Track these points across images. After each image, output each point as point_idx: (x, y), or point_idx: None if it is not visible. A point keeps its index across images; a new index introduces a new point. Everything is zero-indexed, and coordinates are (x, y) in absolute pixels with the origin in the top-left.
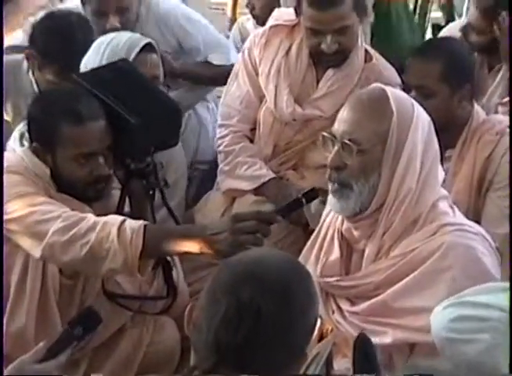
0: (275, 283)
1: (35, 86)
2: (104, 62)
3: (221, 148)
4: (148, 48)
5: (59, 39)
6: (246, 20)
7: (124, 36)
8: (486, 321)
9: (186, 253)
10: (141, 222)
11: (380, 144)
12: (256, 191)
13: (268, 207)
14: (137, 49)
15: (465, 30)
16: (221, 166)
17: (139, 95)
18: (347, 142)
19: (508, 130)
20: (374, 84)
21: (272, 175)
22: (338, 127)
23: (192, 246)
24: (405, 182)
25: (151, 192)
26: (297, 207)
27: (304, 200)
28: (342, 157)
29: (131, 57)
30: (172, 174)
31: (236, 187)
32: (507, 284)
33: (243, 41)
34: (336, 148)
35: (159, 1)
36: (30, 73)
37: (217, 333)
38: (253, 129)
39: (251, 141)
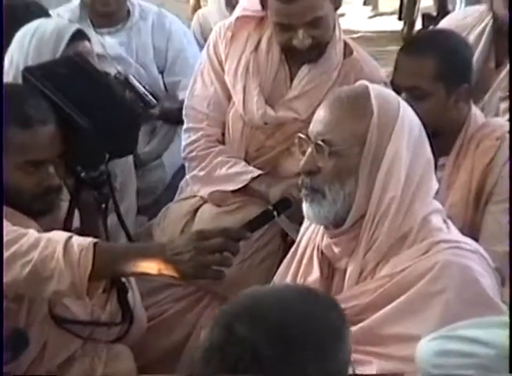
0: (273, 322)
1: None
2: (32, 54)
3: (193, 153)
4: (78, 35)
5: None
6: (207, 12)
7: (50, 24)
8: (471, 357)
9: (143, 274)
10: (90, 240)
11: (357, 146)
12: (241, 192)
13: (233, 219)
14: (67, 38)
15: None
16: (194, 172)
17: (94, 96)
18: (320, 143)
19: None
20: (359, 82)
21: (259, 171)
22: (313, 127)
23: (150, 267)
24: (387, 191)
25: (104, 205)
26: (267, 219)
27: (275, 212)
28: (316, 160)
29: (61, 47)
30: (118, 176)
31: (222, 189)
32: (507, 319)
33: (203, 35)
34: (309, 150)
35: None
36: None
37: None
38: (223, 134)
39: None
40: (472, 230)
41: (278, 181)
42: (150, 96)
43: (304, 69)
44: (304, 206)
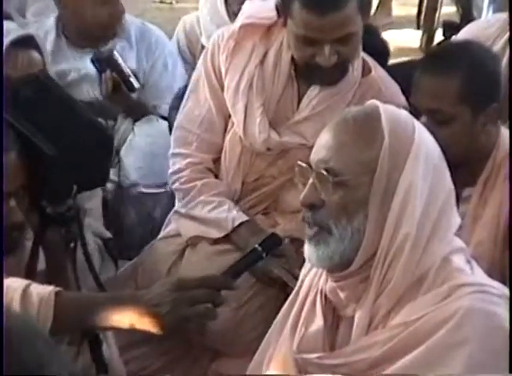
0: None
1: None
2: None
3: (176, 185)
4: (23, 42)
5: None
6: (195, 19)
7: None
8: None
9: (113, 329)
10: (51, 288)
11: (365, 176)
12: (226, 239)
13: (228, 260)
14: (6, 43)
15: None
16: (177, 207)
17: (61, 120)
18: (322, 172)
19: None
20: (369, 101)
21: (244, 217)
22: (314, 154)
23: (121, 320)
24: (400, 227)
25: (72, 244)
26: (254, 260)
27: (263, 252)
28: (319, 191)
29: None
30: (84, 200)
31: (203, 234)
32: None
33: (189, 46)
34: (311, 180)
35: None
36: None
37: None
38: (216, 160)
39: (216, 176)
40: (501, 273)
41: (261, 230)
42: (134, 78)
43: (315, 88)
44: (307, 248)
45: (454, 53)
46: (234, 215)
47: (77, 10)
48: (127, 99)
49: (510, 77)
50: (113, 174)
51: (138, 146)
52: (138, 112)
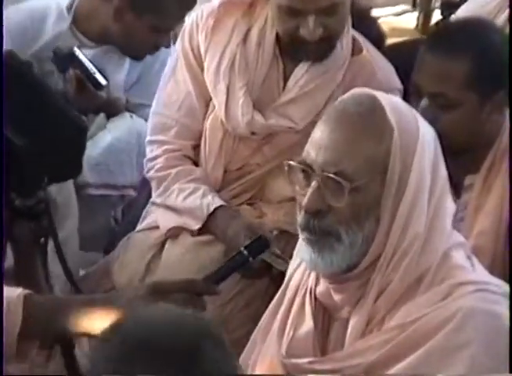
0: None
1: None
2: None
3: (151, 173)
4: None
5: None
6: None
7: None
8: None
9: (86, 335)
10: (19, 291)
11: (378, 176)
12: (203, 228)
13: (212, 252)
14: None
15: None
16: (153, 198)
17: (33, 108)
18: (333, 176)
19: None
20: (356, 90)
21: (219, 202)
22: (316, 154)
23: (94, 325)
24: (409, 226)
25: (42, 239)
26: (240, 264)
27: (249, 256)
28: (326, 197)
29: None
30: (59, 204)
31: (180, 225)
32: None
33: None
34: (315, 185)
35: None
36: None
37: None
38: (196, 146)
39: (195, 163)
40: (504, 267)
41: (238, 216)
42: (100, 74)
43: (303, 66)
44: (308, 254)
45: (464, 32)
46: (208, 201)
47: (130, 28)
48: (94, 97)
49: (509, 68)
50: None
51: (101, 141)
52: (110, 111)
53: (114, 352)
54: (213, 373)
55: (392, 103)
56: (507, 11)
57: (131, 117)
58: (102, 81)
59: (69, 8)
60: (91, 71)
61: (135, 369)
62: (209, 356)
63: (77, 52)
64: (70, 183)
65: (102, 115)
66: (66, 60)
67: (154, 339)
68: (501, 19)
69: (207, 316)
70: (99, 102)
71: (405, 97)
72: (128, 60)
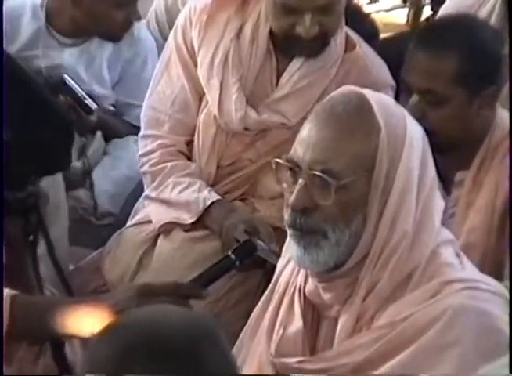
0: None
1: None
2: None
3: (145, 168)
4: None
5: None
6: None
7: None
8: None
9: (74, 337)
10: (7, 292)
11: (365, 174)
12: (202, 224)
13: (205, 248)
14: None
15: None
16: (146, 192)
17: (21, 101)
18: (320, 174)
19: None
20: (344, 88)
21: (216, 196)
22: (304, 152)
23: (83, 327)
24: (397, 224)
25: (32, 236)
26: (227, 269)
27: (236, 260)
28: (312, 194)
29: None
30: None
31: (175, 220)
32: None
33: (168, 21)
34: (301, 182)
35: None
36: None
37: None
38: (190, 142)
39: (189, 159)
40: (495, 264)
41: (235, 210)
42: (89, 100)
43: (296, 62)
44: (296, 250)
45: (452, 29)
46: (205, 195)
47: (91, 10)
48: (85, 122)
49: (510, 64)
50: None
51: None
52: (105, 132)
53: (114, 352)
54: (212, 372)
55: (380, 101)
56: (489, 4)
57: (135, 142)
58: (92, 106)
59: (42, 5)
60: (82, 97)
61: (134, 369)
62: (208, 355)
63: (68, 79)
64: (60, 181)
65: (99, 137)
66: (56, 88)
67: (154, 339)
68: (483, 12)
69: (207, 316)
70: (90, 125)
71: (397, 92)
72: (106, 57)
